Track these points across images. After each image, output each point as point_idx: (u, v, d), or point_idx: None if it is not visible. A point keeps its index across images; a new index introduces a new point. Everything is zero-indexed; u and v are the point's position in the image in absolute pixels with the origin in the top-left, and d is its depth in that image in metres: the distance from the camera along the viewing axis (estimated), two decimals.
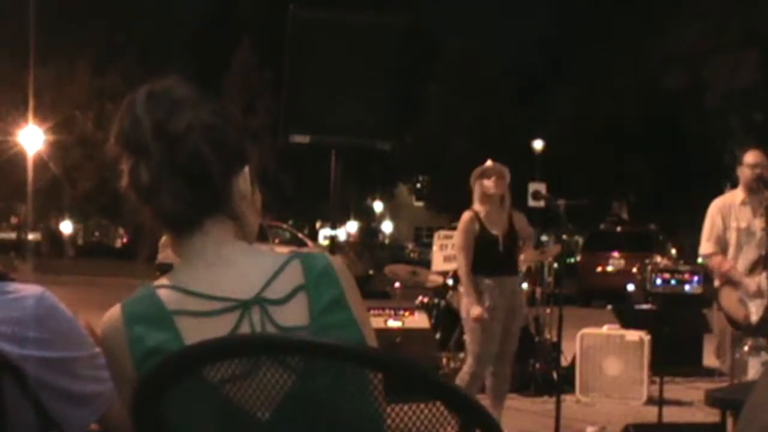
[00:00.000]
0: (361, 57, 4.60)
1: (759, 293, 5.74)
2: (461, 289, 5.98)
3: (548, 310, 8.44)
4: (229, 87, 34.18)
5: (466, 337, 5.95)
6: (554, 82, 36.05)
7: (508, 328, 5.85)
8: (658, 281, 8.61)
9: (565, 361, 7.91)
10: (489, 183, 5.89)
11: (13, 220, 40.68)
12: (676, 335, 7.31)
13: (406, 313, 7.96)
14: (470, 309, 5.78)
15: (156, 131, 1.44)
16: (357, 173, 35.08)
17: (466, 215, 5.95)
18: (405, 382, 1.17)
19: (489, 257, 5.83)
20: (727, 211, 6.01)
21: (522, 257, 7.77)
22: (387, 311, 7.94)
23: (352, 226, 47.79)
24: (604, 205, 33.93)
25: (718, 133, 30.94)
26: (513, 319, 5.89)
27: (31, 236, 34.04)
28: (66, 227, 41.68)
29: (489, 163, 6.01)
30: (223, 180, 1.48)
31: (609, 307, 8.54)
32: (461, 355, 7.34)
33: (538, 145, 32.98)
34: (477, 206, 5.95)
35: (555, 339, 6.87)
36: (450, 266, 8.68)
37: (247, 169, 1.52)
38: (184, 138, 1.44)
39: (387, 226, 54.19)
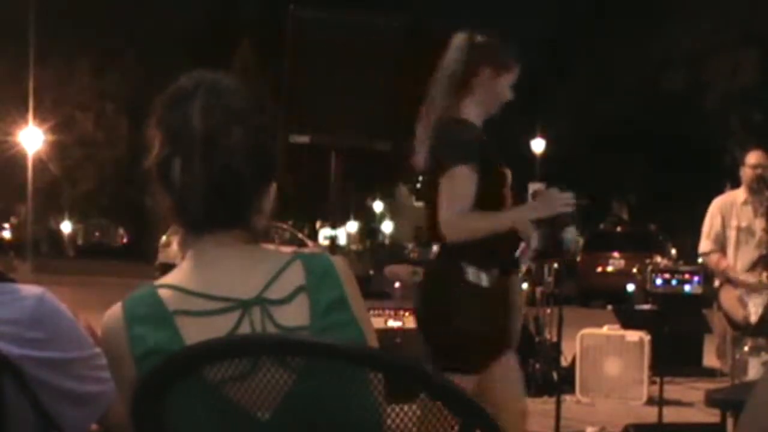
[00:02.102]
0: (361, 57, 4.59)
1: (758, 287, 5.75)
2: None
3: (548, 310, 8.43)
4: None
5: None
6: (554, 82, 36.02)
7: None
8: (658, 281, 8.58)
9: (565, 361, 7.89)
10: None
11: (13, 220, 40.70)
12: (676, 335, 7.29)
13: (406, 313, 7.93)
14: None
15: (205, 141, 1.42)
16: (357, 173, 35.05)
17: None
18: (405, 382, 1.17)
19: None
20: (727, 210, 6.04)
21: None
22: (387, 311, 7.91)
23: (352, 226, 47.77)
24: (604, 205, 33.90)
25: (718, 133, 30.90)
26: None
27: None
28: (66, 227, 41.70)
29: None
30: (250, 199, 1.47)
31: (609, 307, 8.53)
32: None
33: (538, 145, 32.95)
34: None
35: (555, 339, 6.86)
36: None
37: (274, 186, 1.51)
38: (229, 154, 1.42)
39: (387, 226, 54.16)
